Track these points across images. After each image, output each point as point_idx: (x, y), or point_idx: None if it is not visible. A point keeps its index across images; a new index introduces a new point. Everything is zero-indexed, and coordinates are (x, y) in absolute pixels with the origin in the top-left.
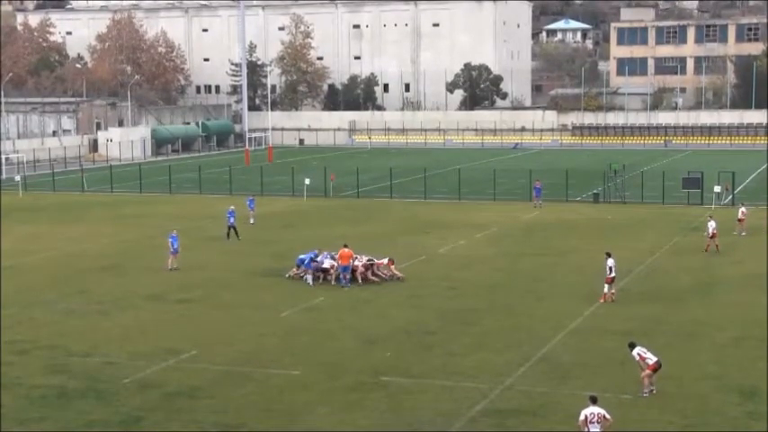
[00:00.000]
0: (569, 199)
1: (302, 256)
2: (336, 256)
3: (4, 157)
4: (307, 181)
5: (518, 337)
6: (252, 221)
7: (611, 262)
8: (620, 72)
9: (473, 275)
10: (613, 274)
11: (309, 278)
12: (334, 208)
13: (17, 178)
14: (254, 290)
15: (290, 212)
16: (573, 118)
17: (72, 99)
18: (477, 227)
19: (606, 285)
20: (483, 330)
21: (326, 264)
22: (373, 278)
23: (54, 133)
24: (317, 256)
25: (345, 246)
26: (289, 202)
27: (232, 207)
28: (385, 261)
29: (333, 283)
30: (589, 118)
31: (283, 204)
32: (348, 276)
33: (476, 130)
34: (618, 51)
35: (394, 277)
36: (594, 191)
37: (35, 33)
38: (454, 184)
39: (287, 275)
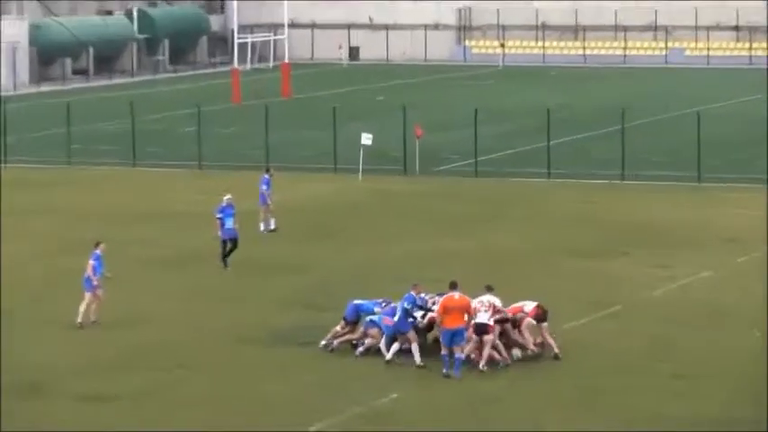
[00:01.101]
0: None
1: (362, 303)
2: (435, 307)
3: None
4: (366, 139)
5: None
6: (267, 227)
7: None
8: None
9: (722, 345)
10: None
11: (385, 351)
12: (423, 197)
13: None
14: (249, 374)
15: (330, 206)
16: None
17: None
18: (735, 241)
19: None
20: None
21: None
22: (501, 357)
23: None
24: (414, 303)
25: (454, 286)
26: (327, 185)
27: (227, 198)
28: (527, 308)
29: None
30: None
31: (317, 189)
32: (462, 354)
33: (736, 28)
34: None
35: (548, 349)
36: None
37: None
38: (683, 149)
39: (323, 343)
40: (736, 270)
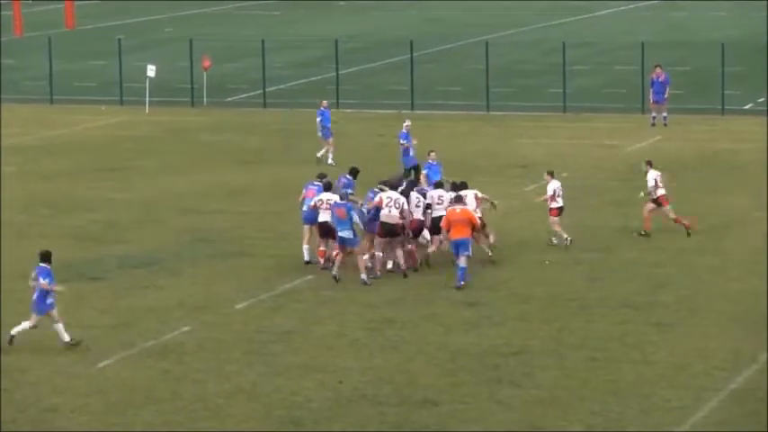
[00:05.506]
0: (727, 108)
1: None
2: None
3: None
4: (150, 71)
5: (614, 407)
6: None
7: None
8: None
9: (523, 280)
10: None
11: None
12: (211, 129)
13: None
14: None
15: (117, 139)
16: None
17: None
18: (523, 168)
19: None
20: (540, 391)
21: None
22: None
23: None
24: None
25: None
26: (113, 118)
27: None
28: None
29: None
30: None
31: (102, 122)
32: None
33: None
34: None
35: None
36: None
37: None
38: (473, 77)
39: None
40: (524, 199)
